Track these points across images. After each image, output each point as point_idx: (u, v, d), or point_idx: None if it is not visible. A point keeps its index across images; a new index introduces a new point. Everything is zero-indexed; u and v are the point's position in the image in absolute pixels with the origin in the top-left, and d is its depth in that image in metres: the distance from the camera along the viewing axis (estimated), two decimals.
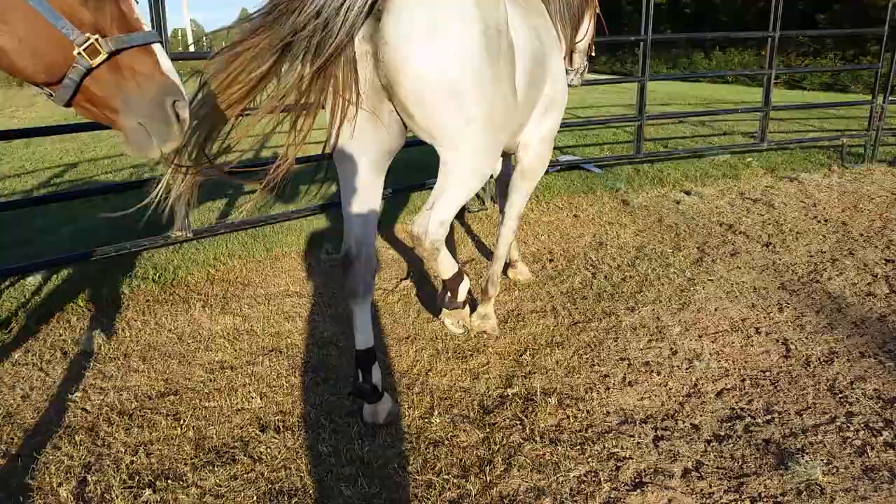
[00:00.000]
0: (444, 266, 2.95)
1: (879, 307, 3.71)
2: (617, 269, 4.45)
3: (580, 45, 4.13)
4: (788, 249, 4.71)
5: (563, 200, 6.19)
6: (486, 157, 2.59)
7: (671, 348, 3.36)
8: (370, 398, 2.71)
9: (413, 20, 2.27)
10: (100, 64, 1.54)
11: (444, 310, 3.20)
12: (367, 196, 2.63)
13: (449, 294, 3.09)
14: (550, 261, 4.66)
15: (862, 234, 5.00)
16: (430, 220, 2.57)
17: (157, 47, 1.65)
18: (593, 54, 4.33)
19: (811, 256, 4.56)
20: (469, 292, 3.19)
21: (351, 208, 2.63)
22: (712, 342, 3.42)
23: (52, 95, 1.60)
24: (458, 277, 3.04)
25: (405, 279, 4.38)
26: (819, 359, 3.21)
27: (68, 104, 1.61)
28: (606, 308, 3.81)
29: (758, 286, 4.07)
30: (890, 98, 7.39)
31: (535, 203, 6.03)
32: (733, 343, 3.41)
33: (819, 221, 5.36)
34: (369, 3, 2.23)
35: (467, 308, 3.26)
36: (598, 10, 4.21)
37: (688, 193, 6.32)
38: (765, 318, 3.64)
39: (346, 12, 2.19)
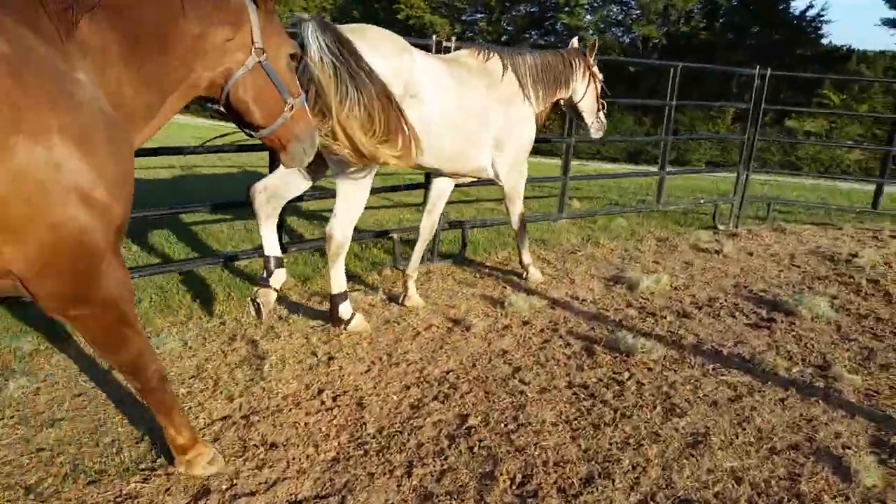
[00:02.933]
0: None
1: None
2: None
3: (583, 105, 5.47)
4: None
5: None
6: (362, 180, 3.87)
7: None
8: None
9: None
10: (291, 114, 2.56)
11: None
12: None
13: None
14: None
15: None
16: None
17: (306, 105, 2.74)
18: (603, 112, 5.63)
19: None
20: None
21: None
22: None
23: (256, 133, 2.57)
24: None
25: None
26: None
27: (263, 138, 2.59)
28: None
29: None
30: None
31: None
32: None
33: None
34: None
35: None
36: (600, 80, 5.52)
37: None
38: None
39: None
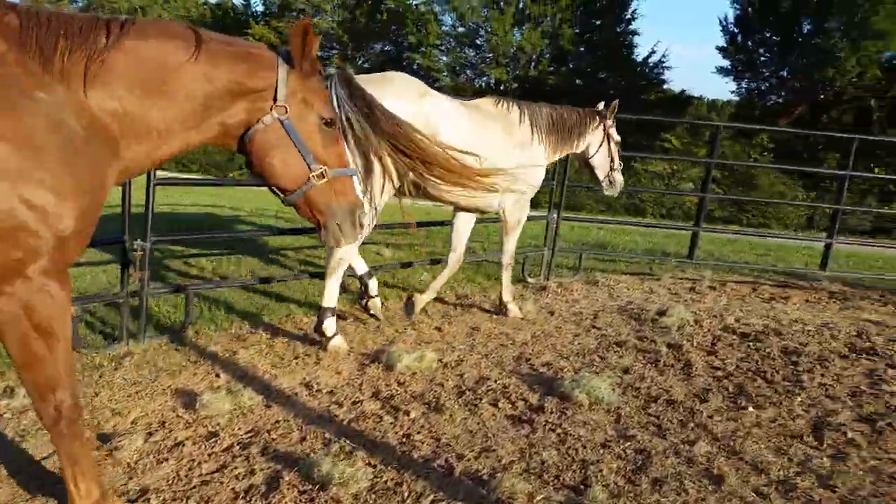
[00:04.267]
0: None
1: None
2: None
3: (595, 161, 6.01)
4: None
5: None
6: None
7: None
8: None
9: None
10: (322, 183, 2.47)
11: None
12: None
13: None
14: None
15: None
16: None
17: (354, 178, 2.64)
18: (616, 169, 6.08)
19: None
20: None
21: None
22: None
23: (283, 197, 2.52)
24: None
25: None
26: None
27: (292, 204, 2.54)
28: None
29: None
30: None
31: None
32: None
33: None
34: None
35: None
36: (616, 140, 6.05)
37: None
38: None
39: None
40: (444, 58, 28.37)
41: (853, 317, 6.78)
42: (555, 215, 7.46)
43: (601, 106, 5.97)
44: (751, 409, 3.97)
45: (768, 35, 27.07)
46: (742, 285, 8.09)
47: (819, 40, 24.21)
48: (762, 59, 27.92)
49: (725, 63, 28.58)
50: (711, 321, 6.03)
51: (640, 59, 28.33)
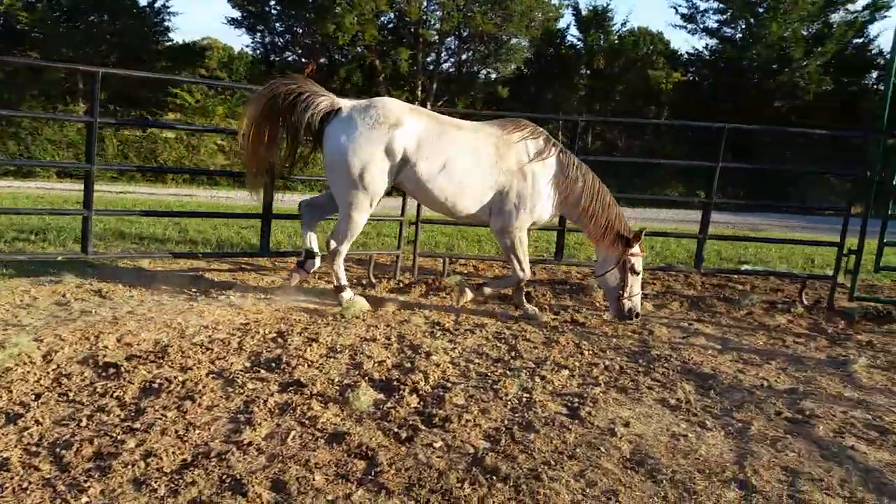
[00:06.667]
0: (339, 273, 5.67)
1: None
2: None
3: (605, 280, 5.78)
4: None
5: None
6: (354, 211, 5.39)
7: None
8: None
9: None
10: None
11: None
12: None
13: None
14: None
15: None
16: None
17: None
18: (627, 297, 5.67)
19: None
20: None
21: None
22: None
23: None
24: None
25: None
26: None
27: None
28: None
29: None
30: None
31: None
32: None
33: None
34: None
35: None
36: (635, 271, 5.71)
37: None
38: None
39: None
40: None
41: (318, 311, 5.82)
42: None
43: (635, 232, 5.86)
44: None
45: None
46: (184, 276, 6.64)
47: None
48: (273, 12, 27.42)
49: (237, 14, 27.30)
50: (74, 348, 4.32)
51: (143, 2, 25.13)
